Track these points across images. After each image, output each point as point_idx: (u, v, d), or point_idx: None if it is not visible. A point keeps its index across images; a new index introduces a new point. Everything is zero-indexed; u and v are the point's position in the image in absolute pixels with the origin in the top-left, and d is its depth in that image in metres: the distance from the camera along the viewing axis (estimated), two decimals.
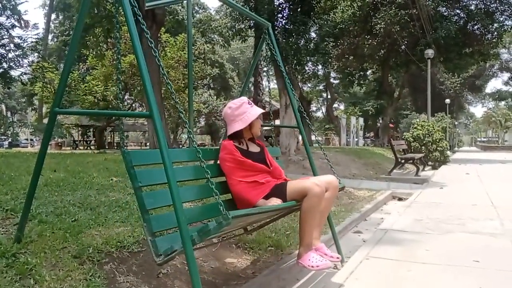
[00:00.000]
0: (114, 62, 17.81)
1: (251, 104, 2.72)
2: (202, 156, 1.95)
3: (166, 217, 2.37)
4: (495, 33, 19.48)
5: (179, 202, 1.90)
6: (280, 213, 2.97)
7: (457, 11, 20.41)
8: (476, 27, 19.76)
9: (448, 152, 16.62)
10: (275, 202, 2.46)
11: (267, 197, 2.54)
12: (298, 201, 2.53)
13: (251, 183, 2.58)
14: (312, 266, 2.50)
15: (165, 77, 2.06)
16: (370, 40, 20.68)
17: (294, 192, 2.52)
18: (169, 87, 2.02)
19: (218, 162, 2.80)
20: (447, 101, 36.75)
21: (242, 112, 2.67)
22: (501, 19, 19.73)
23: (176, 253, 2.09)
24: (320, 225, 2.83)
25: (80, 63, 21.69)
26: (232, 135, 2.72)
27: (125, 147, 2.87)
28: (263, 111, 2.85)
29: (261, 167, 2.68)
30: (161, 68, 2.04)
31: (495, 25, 19.40)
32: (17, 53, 16.49)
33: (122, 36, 17.32)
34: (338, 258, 2.81)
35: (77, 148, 27.82)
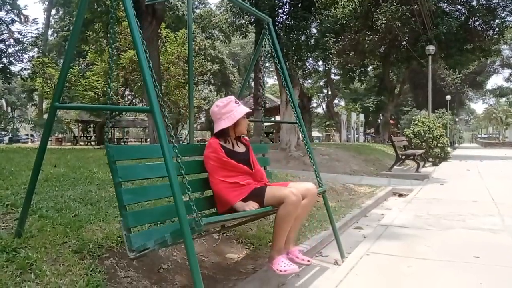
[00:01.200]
0: (114, 57, 17.78)
1: (238, 103, 2.75)
2: (188, 152, 1.94)
3: (143, 213, 2.41)
4: (497, 29, 19.40)
5: (179, 197, 1.90)
6: (257, 216, 3.00)
7: (459, 7, 20.32)
8: (477, 23, 19.68)
9: (449, 149, 16.60)
10: (252, 206, 2.52)
11: (245, 200, 2.59)
12: (274, 206, 2.59)
13: (232, 183, 2.62)
14: (280, 271, 2.57)
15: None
16: (371, 36, 20.60)
17: (271, 198, 2.58)
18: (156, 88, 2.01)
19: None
20: (448, 97, 36.68)
21: (229, 110, 2.70)
22: (503, 15, 19.64)
23: (148, 251, 2.13)
24: (294, 230, 2.89)
25: (80, 59, 21.61)
26: (218, 133, 2.75)
27: (115, 143, 2.91)
28: (250, 110, 2.87)
29: (244, 168, 2.72)
30: (148, 65, 2.02)
31: (497, 21, 19.31)
32: (17, 48, 16.47)
33: (122, 32, 17.28)
34: (308, 261, 2.88)
35: (77, 144, 27.81)
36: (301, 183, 2.94)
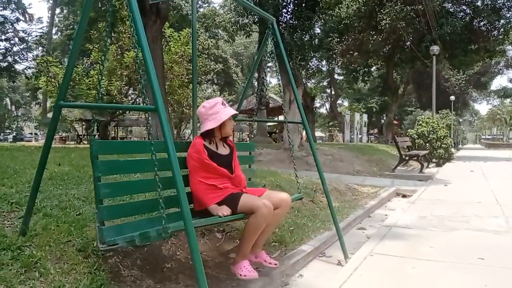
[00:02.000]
0: (118, 57, 17.78)
1: (225, 104, 2.80)
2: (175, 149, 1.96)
3: (116, 208, 2.47)
4: (502, 29, 19.32)
5: (183, 192, 1.91)
6: (228, 222, 3.03)
7: (463, 7, 20.25)
8: (482, 23, 19.60)
9: (453, 149, 16.55)
10: (225, 211, 2.57)
11: (220, 203, 2.64)
12: (246, 214, 2.64)
13: (210, 185, 2.66)
14: (241, 275, 2.65)
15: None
16: (375, 36, 20.57)
17: (244, 207, 2.62)
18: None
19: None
20: (452, 98, 36.53)
21: (215, 111, 2.74)
22: (508, 15, 19.55)
23: (117, 246, 2.18)
24: (264, 235, 2.93)
25: (84, 58, 21.68)
26: (204, 133, 2.79)
27: (98, 138, 2.99)
28: (236, 112, 2.93)
29: (224, 172, 2.75)
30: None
31: (502, 21, 19.23)
32: (21, 47, 16.54)
33: (126, 31, 17.30)
34: (276, 264, 2.92)
35: (81, 143, 27.87)
36: (277, 193, 2.98)
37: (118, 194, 2.58)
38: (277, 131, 24.04)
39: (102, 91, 17.96)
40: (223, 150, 2.87)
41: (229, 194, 2.69)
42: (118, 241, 2.15)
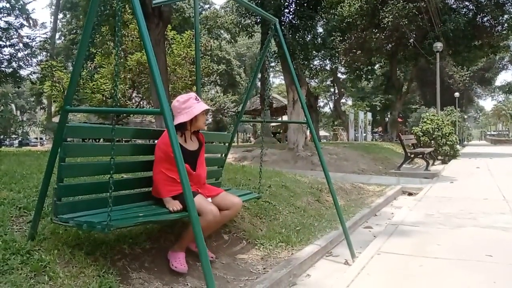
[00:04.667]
0: (121, 60, 17.85)
1: (198, 100, 2.90)
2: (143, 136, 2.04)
3: (73, 187, 2.69)
4: (506, 24, 19.16)
5: (189, 190, 1.93)
6: (175, 219, 3.10)
7: (466, 3, 20.13)
8: (485, 19, 19.47)
9: (458, 146, 16.45)
10: (177, 206, 2.71)
11: (175, 198, 2.77)
12: None
13: (170, 178, 2.78)
14: (173, 265, 2.76)
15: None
16: (377, 34, 20.49)
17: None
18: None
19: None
20: (456, 94, 36.34)
21: (188, 106, 2.85)
22: None
23: (68, 225, 2.36)
24: (206, 233, 2.94)
25: (88, 62, 21.79)
26: (176, 126, 2.82)
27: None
28: (208, 107, 3.03)
29: (185, 167, 2.76)
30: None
31: (506, 16, 19.08)
32: (26, 52, 16.61)
33: (129, 34, 17.37)
34: (212, 257, 3.05)
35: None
36: (231, 196, 3.08)
37: (79, 174, 2.85)
38: (281, 131, 24.03)
39: (106, 95, 18.00)
40: (192, 145, 2.99)
41: None
42: (69, 221, 2.33)
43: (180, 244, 2.84)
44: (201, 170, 3.01)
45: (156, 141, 2.90)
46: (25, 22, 16.54)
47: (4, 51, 16.11)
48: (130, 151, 3.18)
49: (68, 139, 2.48)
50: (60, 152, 2.38)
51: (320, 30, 16.73)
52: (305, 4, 11.97)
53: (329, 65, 26.69)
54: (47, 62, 19.09)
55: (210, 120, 34.47)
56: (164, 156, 2.77)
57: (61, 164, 2.38)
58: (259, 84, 23.79)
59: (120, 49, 17.47)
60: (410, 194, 7.42)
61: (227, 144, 3.87)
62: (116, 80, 2.39)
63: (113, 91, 18.04)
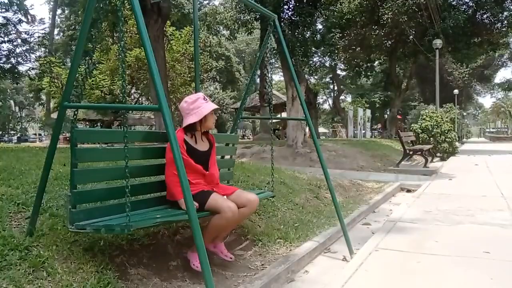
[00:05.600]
0: (120, 56, 17.81)
1: (206, 99, 2.86)
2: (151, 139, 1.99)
3: (88, 193, 2.58)
4: (505, 21, 19.15)
5: (188, 191, 1.92)
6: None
7: (466, 0, 20.10)
8: (485, 16, 19.45)
9: (457, 143, 16.47)
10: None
11: None
12: (212, 213, 2.73)
13: None
14: (193, 264, 2.75)
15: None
16: (377, 31, 20.47)
17: (211, 207, 2.71)
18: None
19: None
20: (456, 91, 36.33)
21: (197, 106, 2.81)
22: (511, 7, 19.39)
23: (85, 231, 2.32)
24: (226, 231, 3.06)
25: (87, 57, 21.75)
26: (186, 128, 2.86)
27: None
28: (217, 107, 2.99)
29: (198, 168, 2.82)
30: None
31: (505, 13, 19.05)
32: (24, 48, 16.58)
33: (128, 30, 17.31)
34: (231, 258, 3.02)
35: (84, 143, 27.98)
36: (246, 193, 3.04)
37: (92, 180, 2.72)
38: (281, 127, 24.04)
39: (105, 91, 17.96)
40: (202, 146, 2.96)
41: (200, 191, 2.77)
42: (86, 227, 2.26)
43: None
44: (214, 170, 2.97)
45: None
46: (23, 18, 16.49)
47: (3, 47, 16.08)
48: (142, 155, 3.03)
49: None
50: (72, 158, 2.32)
51: (319, 26, 16.69)
52: (305, 1, 11.94)
53: (328, 61, 26.69)
54: (45, 58, 19.05)
55: None
56: None
57: (74, 170, 2.31)
58: (258, 80, 23.75)
59: (119, 45, 17.45)
60: (408, 191, 7.44)
61: (235, 146, 3.84)
62: (123, 77, 2.34)
63: (120, 87, 17.98)
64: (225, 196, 2.85)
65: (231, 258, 3.01)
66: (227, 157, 3.76)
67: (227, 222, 2.69)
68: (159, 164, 2.93)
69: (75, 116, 2.41)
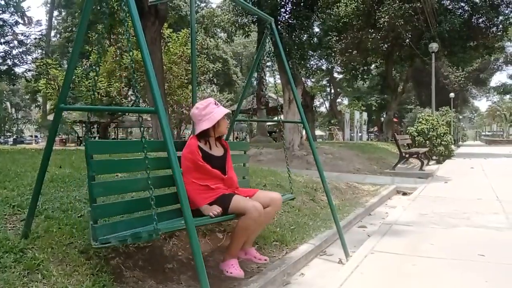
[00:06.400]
0: (117, 58, 17.78)
1: (217, 104, 2.83)
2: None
3: (110, 206, 2.50)
4: (500, 26, 19.30)
5: (183, 193, 1.93)
6: (219, 222, 3.04)
7: (462, 4, 20.23)
8: (480, 20, 19.59)
9: (453, 147, 16.54)
10: (216, 210, 2.60)
11: (212, 204, 2.67)
12: (237, 215, 2.67)
13: (203, 186, 2.69)
14: (227, 272, 2.69)
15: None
16: (373, 34, 20.57)
17: (235, 209, 2.65)
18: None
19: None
20: (452, 95, 36.48)
21: (209, 112, 2.76)
22: (507, 11, 19.55)
23: (110, 245, 2.24)
24: (255, 233, 2.99)
25: (83, 60, 21.73)
26: (199, 134, 2.81)
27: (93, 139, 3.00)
28: (228, 111, 2.94)
29: (216, 173, 2.78)
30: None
31: (500, 17, 19.21)
32: (21, 50, 16.55)
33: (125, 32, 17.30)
34: (265, 260, 2.97)
35: (81, 144, 27.89)
36: (268, 192, 3.02)
37: (111, 192, 2.62)
38: (277, 130, 24.05)
39: (102, 93, 17.93)
40: (217, 151, 2.90)
41: (221, 195, 2.72)
42: (110, 240, 2.18)
43: (229, 252, 2.77)
44: (232, 173, 2.93)
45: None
46: (20, 20, 16.47)
47: None
48: (158, 165, 2.90)
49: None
50: (89, 170, 2.25)
51: (316, 29, 16.72)
52: (302, 4, 11.98)
53: (325, 64, 26.74)
54: (42, 60, 18.99)
55: None
56: (192, 165, 2.69)
57: (92, 183, 2.24)
58: (255, 83, 23.78)
59: (115, 47, 17.40)
60: (404, 193, 7.46)
61: (247, 153, 3.78)
62: (134, 82, 2.36)
63: (108, 89, 17.93)
64: (247, 198, 2.80)
65: (265, 260, 2.97)
66: (241, 165, 3.67)
67: (255, 222, 2.63)
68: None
69: (89, 126, 2.36)
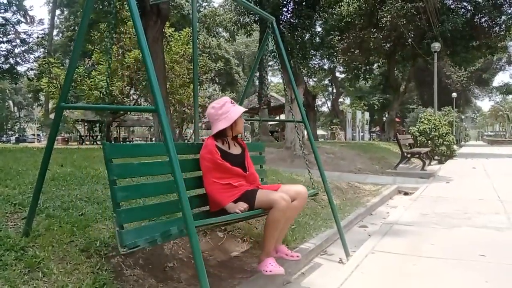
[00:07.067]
0: (119, 57, 17.80)
1: (233, 103, 2.80)
2: (183, 151, 1.93)
3: (135, 210, 2.48)
4: (503, 25, 19.25)
5: (184, 195, 1.92)
6: (247, 218, 3.03)
7: (464, 3, 20.19)
8: (483, 19, 19.54)
9: (455, 147, 16.51)
10: (242, 206, 2.55)
11: (236, 201, 2.63)
12: (264, 209, 2.63)
13: (225, 185, 2.66)
14: (266, 271, 2.64)
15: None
16: (376, 34, 20.53)
17: (262, 202, 2.61)
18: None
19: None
20: (454, 95, 36.42)
21: (226, 111, 2.73)
22: (510, 11, 19.49)
23: (139, 248, 2.18)
24: (283, 230, 2.98)
25: (86, 59, 21.78)
26: (216, 134, 2.79)
27: (121, 142, 2.96)
28: (245, 109, 2.90)
29: (237, 171, 2.75)
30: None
31: (503, 17, 19.15)
32: (23, 48, 16.60)
33: (127, 31, 17.32)
34: (298, 257, 2.96)
35: (83, 143, 27.96)
36: (292, 185, 2.97)
37: (135, 196, 2.58)
38: (279, 130, 24.05)
39: (104, 92, 17.95)
40: (235, 150, 2.88)
41: (245, 191, 2.69)
42: (139, 243, 2.14)
43: (265, 251, 2.74)
44: (253, 170, 2.91)
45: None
46: (22, 19, 16.51)
47: (1, 47, 16.09)
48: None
49: None
50: (109, 175, 2.20)
51: (318, 29, 16.72)
52: (304, 3, 11.96)
53: (327, 64, 26.71)
54: (44, 59, 19.02)
55: (208, 118, 34.32)
56: (212, 165, 2.66)
57: (114, 187, 2.19)
58: (257, 82, 23.79)
59: (118, 46, 17.43)
60: (406, 193, 7.45)
61: (264, 155, 3.75)
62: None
63: (111, 88, 17.91)
64: None
65: (298, 257, 2.96)
66: (257, 167, 3.60)
67: (284, 213, 2.57)
68: (196, 177, 2.82)
69: (105, 128, 2.33)
